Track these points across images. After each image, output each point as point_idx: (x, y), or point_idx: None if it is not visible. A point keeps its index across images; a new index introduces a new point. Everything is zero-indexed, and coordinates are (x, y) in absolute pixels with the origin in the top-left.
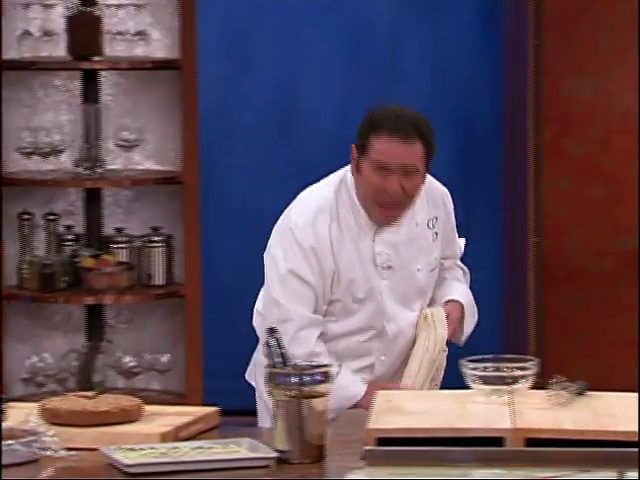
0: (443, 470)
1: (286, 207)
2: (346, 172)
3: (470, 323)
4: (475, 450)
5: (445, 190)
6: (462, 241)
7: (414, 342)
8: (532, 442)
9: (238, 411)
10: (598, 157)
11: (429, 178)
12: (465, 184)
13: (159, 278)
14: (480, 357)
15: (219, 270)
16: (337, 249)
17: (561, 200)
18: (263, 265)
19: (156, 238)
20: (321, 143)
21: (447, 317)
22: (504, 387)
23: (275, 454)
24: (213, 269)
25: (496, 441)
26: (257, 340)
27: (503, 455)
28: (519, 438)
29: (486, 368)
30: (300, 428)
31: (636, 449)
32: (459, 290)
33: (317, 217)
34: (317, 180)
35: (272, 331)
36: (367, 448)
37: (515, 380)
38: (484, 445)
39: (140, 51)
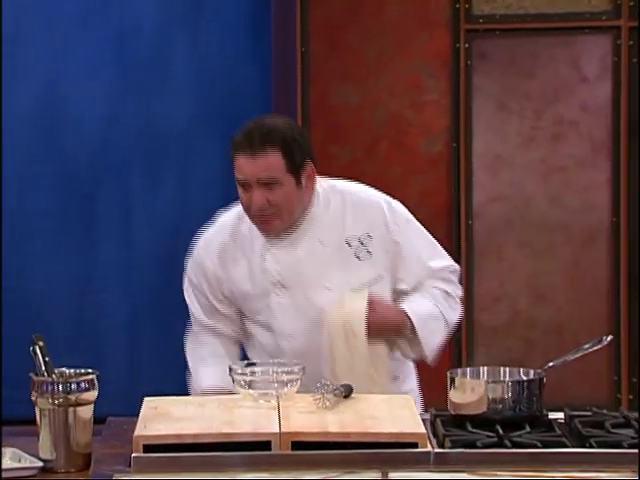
0: (211, 475)
1: (52, 211)
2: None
3: (427, 337)
4: (242, 455)
5: (386, 206)
6: (445, 265)
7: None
8: (300, 445)
9: (3, 420)
10: (364, 163)
11: (364, 193)
12: (234, 189)
13: None
14: (248, 362)
15: None
16: (229, 264)
17: None
18: (29, 268)
19: None
20: (87, 149)
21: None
22: (272, 391)
23: (40, 464)
24: None
25: (264, 445)
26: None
27: (270, 459)
28: (286, 442)
29: (254, 373)
30: (66, 437)
31: (398, 449)
32: (413, 302)
33: (216, 232)
34: (83, 185)
35: (37, 339)
36: (134, 455)
37: (283, 384)
38: (253, 450)
39: None
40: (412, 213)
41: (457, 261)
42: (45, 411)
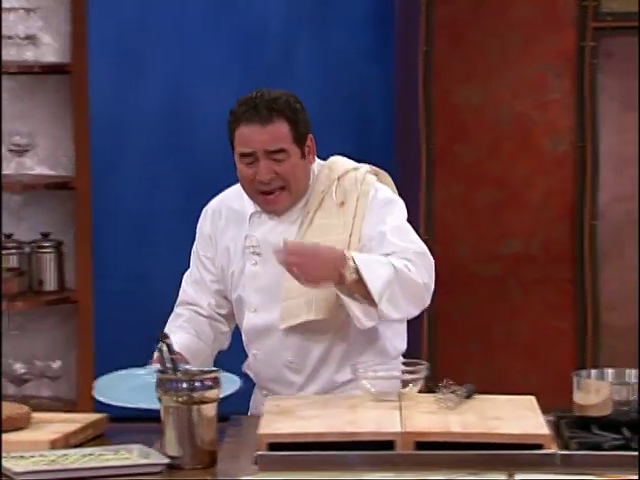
0: (334, 474)
1: (177, 212)
2: None
3: (373, 279)
4: (366, 454)
5: (372, 191)
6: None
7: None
8: (422, 445)
9: (129, 417)
10: (487, 163)
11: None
12: None
13: (50, 284)
14: (369, 362)
15: (110, 276)
16: (219, 238)
17: (452, 205)
18: (154, 269)
19: (46, 244)
20: (212, 148)
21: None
22: (394, 391)
23: (166, 460)
24: (104, 275)
25: (387, 445)
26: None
27: (393, 459)
28: (409, 441)
29: (376, 371)
30: (191, 434)
31: (523, 451)
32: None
33: (212, 206)
34: (209, 186)
35: (163, 336)
36: (259, 453)
37: (405, 384)
38: (375, 449)
39: (30, 55)
40: (536, 213)
41: (580, 261)
42: (169, 408)
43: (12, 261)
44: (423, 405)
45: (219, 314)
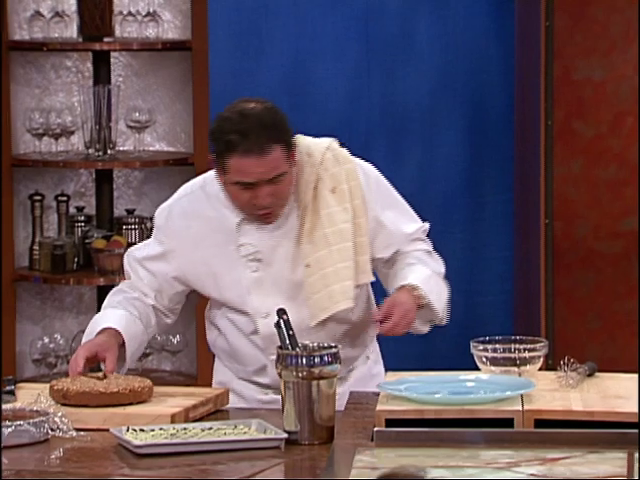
0: (452, 451)
1: None
2: (209, 174)
3: (436, 300)
4: (484, 431)
5: (360, 171)
6: (418, 228)
7: None
8: (541, 423)
9: None
10: (608, 139)
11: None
12: (476, 165)
13: None
14: (489, 338)
15: None
16: (190, 242)
17: (572, 182)
18: None
19: None
20: (331, 126)
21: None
22: (514, 368)
23: (284, 435)
24: None
25: (506, 422)
26: None
27: (512, 436)
28: (528, 419)
29: (496, 349)
30: (309, 410)
31: None
32: (409, 273)
33: (170, 210)
34: None
35: (281, 312)
36: (376, 429)
37: (525, 361)
38: (494, 426)
39: (151, 32)
40: None
41: None
42: (289, 384)
43: (133, 236)
44: (544, 382)
45: (167, 308)
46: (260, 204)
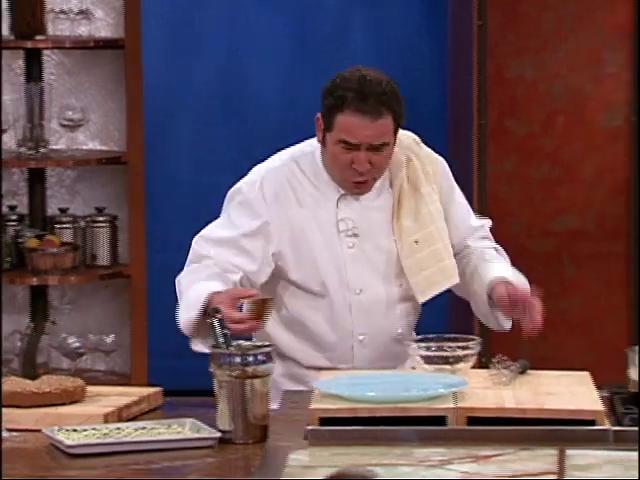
0: (385, 449)
1: (230, 187)
2: (304, 146)
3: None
4: (417, 429)
5: (442, 166)
6: (483, 223)
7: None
8: (474, 421)
9: (183, 391)
10: (541, 138)
11: (419, 142)
12: None
13: (104, 259)
14: (423, 337)
15: (163, 249)
16: (282, 216)
17: (504, 180)
18: None
19: (100, 218)
20: (266, 122)
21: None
22: (447, 366)
23: (218, 434)
24: (157, 248)
25: (439, 420)
26: None
27: (445, 434)
28: (461, 417)
29: (429, 348)
30: (243, 409)
31: (576, 427)
32: (497, 267)
33: (262, 182)
34: (262, 160)
35: (215, 311)
36: (310, 428)
37: (458, 359)
38: (427, 424)
39: (83, 30)
40: (590, 188)
41: (634, 237)
42: (223, 383)
43: (66, 235)
44: (476, 380)
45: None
46: (359, 169)
